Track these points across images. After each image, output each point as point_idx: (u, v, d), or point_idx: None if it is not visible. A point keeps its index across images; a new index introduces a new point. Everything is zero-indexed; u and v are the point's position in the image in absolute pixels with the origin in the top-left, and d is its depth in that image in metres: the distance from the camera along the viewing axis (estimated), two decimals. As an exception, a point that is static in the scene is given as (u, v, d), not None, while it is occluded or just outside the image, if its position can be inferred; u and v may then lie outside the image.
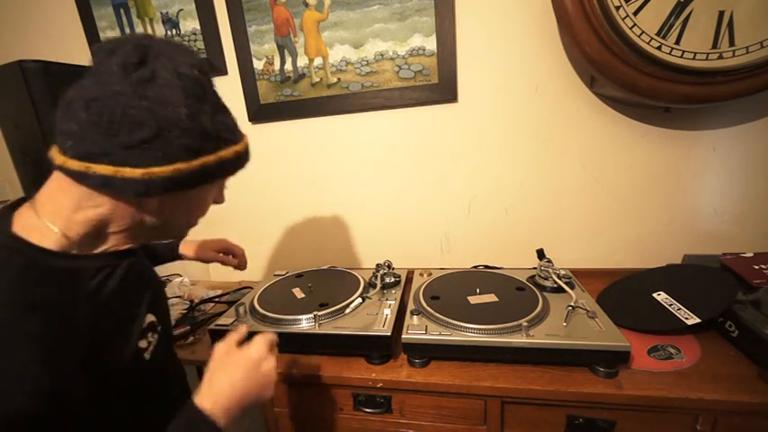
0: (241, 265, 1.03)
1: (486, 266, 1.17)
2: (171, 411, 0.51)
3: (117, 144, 0.44)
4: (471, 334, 0.77)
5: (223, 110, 0.53)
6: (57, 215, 0.48)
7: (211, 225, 1.36)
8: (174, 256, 1.00)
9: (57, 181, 0.49)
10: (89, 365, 0.46)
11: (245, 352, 0.57)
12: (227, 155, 0.52)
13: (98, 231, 0.50)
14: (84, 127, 0.44)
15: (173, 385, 0.64)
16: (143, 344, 0.54)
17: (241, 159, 0.55)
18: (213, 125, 0.50)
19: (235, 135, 0.54)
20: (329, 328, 0.83)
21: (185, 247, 1.00)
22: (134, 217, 0.51)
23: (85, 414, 0.46)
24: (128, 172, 0.45)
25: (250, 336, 0.61)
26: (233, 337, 0.60)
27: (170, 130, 0.46)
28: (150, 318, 0.57)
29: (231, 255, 1.03)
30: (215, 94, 0.52)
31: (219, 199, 0.60)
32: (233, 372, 0.55)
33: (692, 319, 0.78)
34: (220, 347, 0.58)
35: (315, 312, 0.85)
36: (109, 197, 0.48)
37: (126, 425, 0.53)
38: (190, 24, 1.21)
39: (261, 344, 0.58)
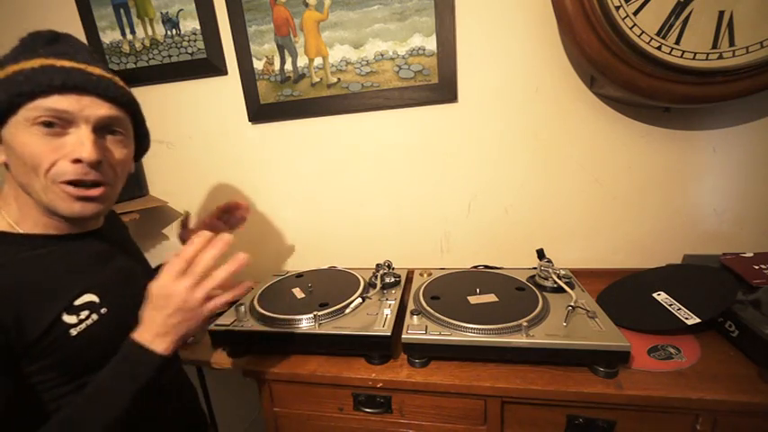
0: (241, 209, 1.05)
1: (486, 266, 1.17)
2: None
3: None
4: (471, 334, 0.77)
5: (31, 52, 0.56)
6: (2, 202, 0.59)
7: (211, 225, 1.37)
8: None
9: None
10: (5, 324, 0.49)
11: (175, 289, 0.55)
12: (13, 68, 0.53)
13: (17, 204, 0.58)
14: None
15: None
16: (71, 319, 0.55)
17: (30, 76, 0.53)
18: (7, 56, 0.56)
19: (28, 56, 0.55)
20: (329, 328, 0.83)
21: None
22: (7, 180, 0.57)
23: (12, 381, 0.50)
24: None
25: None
26: (170, 271, 0.57)
27: None
28: (90, 297, 0.58)
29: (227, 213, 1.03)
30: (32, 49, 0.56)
31: (76, 152, 0.54)
32: (164, 309, 0.55)
33: (692, 319, 0.78)
34: (155, 284, 0.57)
35: (315, 312, 0.85)
36: None
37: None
38: (190, 24, 1.21)
39: (176, 283, 0.56)
